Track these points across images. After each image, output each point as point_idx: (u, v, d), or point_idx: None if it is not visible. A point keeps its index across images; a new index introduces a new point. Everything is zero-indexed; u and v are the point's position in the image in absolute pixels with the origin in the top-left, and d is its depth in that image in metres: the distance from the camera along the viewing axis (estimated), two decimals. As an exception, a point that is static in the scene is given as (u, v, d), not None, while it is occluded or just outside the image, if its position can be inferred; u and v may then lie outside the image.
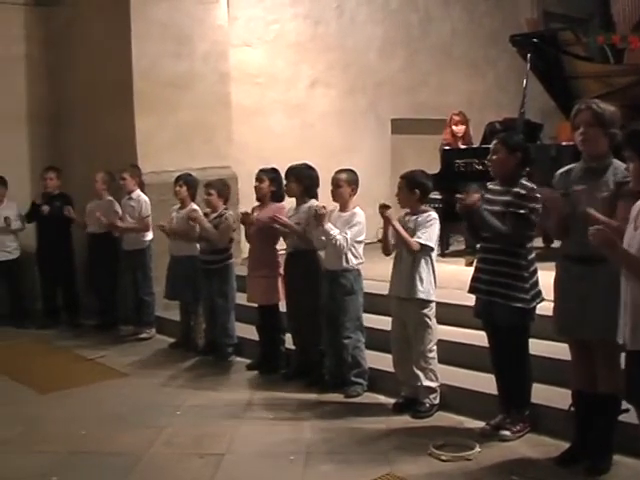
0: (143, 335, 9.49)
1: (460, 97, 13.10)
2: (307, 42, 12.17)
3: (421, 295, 6.40)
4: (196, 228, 8.30)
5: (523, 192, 5.67)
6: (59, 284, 10.53)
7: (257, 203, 7.99)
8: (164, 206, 9.32)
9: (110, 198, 9.88)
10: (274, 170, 7.92)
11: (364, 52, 12.81)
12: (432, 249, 6.46)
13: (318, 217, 6.92)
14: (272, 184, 7.83)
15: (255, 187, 7.91)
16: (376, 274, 7.68)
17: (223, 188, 8.40)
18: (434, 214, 6.50)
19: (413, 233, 6.39)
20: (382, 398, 6.95)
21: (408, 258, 6.44)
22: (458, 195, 5.89)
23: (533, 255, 5.82)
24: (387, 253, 6.72)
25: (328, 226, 6.90)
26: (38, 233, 10.52)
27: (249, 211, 8.01)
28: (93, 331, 9.99)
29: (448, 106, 11.36)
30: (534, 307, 5.80)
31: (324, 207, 7.00)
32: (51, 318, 10.46)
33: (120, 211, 9.68)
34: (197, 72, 10.46)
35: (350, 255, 6.96)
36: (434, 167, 9.44)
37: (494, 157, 5.87)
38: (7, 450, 6.15)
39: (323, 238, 7.04)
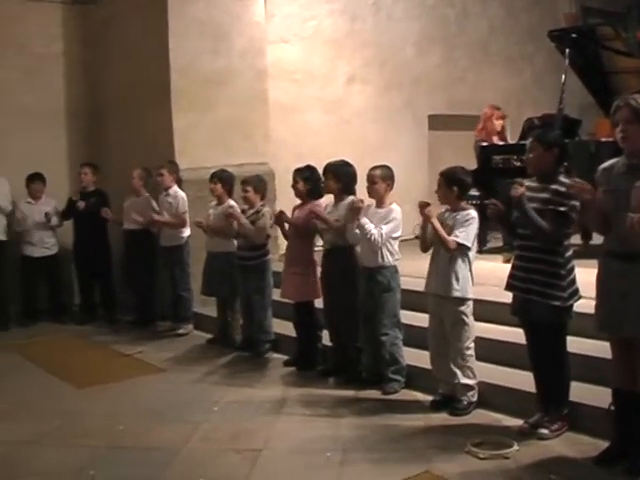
0: (180, 331, 9.52)
1: (497, 93, 13.02)
2: (344, 38, 12.15)
3: (457, 294, 6.37)
4: (233, 224, 8.33)
5: (562, 189, 5.62)
6: (96, 280, 10.61)
7: (297, 200, 7.99)
8: (201, 202, 9.35)
9: (147, 194, 9.92)
10: (308, 168, 7.90)
11: (401, 48, 12.78)
12: (469, 248, 6.42)
13: (354, 210, 6.92)
14: (307, 183, 7.82)
15: (292, 187, 7.93)
16: (413, 271, 7.64)
17: (259, 184, 8.41)
18: (473, 212, 6.46)
19: (451, 230, 6.36)
20: (419, 395, 6.93)
21: (445, 256, 6.41)
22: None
23: (570, 253, 5.78)
24: (425, 249, 6.69)
25: (364, 220, 6.89)
26: (75, 229, 10.58)
27: (284, 210, 8.01)
28: (130, 327, 10.05)
29: (485, 102, 11.28)
30: (571, 305, 5.76)
31: (362, 201, 6.99)
32: (89, 314, 10.55)
33: (157, 207, 9.72)
34: (234, 69, 10.47)
35: (386, 251, 6.94)
36: (471, 164, 9.38)
37: (530, 155, 5.83)
38: (45, 444, 6.21)
39: (357, 231, 7.04)
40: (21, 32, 10.75)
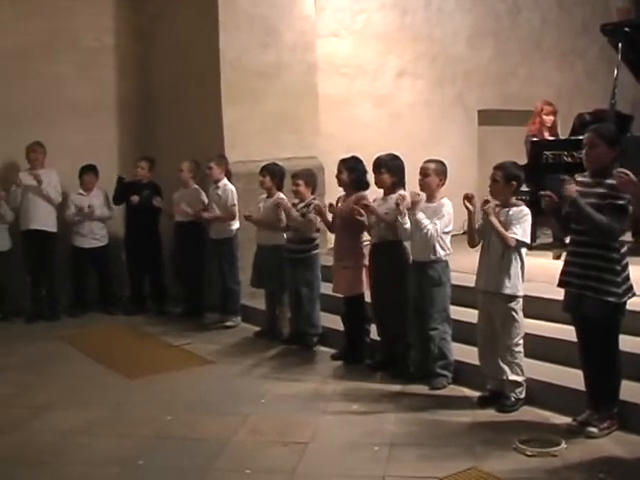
0: (229, 323, 9.55)
1: (549, 88, 12.92)
2: (394, 32, 12.11)
3: (508, 290, 6.33)
4: (281, 216, 8.34)
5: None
6: (146, 271, 10.68)
7: (342, 193, 8.01)
8: (251, 195, 9.36)
9: (196, 187, 9.96)
10: (353, 159, 7.90)
11: (452, 42, 12.71)
12: (526, 245, 6.39)
13: (412, 204, 6.89)
14: (351, 174, 7.82)
15: (336, 177, 7.94)
16: (462, 266, 7.61)
17: (310, 178, 8.42)
18: (527, 209, 6.41)
19: (504, 226, 6.31)
20: (467, 391, 6.91)
21: (497, 252, 6.37)
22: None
23: (625, 249, 5.72)
24: (473, 245, 6.66)
25: (420, 215, 6.86)
26: (127, 221, 10.69)
27: (333, 202, 8.02)
28: (179, 318, 10.12)
29: (536, 97, 11.20)
30: (625, 302, 5.70)
31: (419, 194, 6.95)
32: (138, 305, 10.63)
33: (206, 200, 9.76)
34: (284, 62, 10.49)
35: (438, 246, 6.92)
36: (521, 159, 9.31)
37: (589, 150, 5.76)
38: (94, 433, 6.30)
39: (406, 226, 7.03)
40: (73, 26, 10.88)
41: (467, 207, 6.44)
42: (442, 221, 6.89)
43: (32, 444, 6.11)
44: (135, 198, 10.21)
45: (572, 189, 5.63)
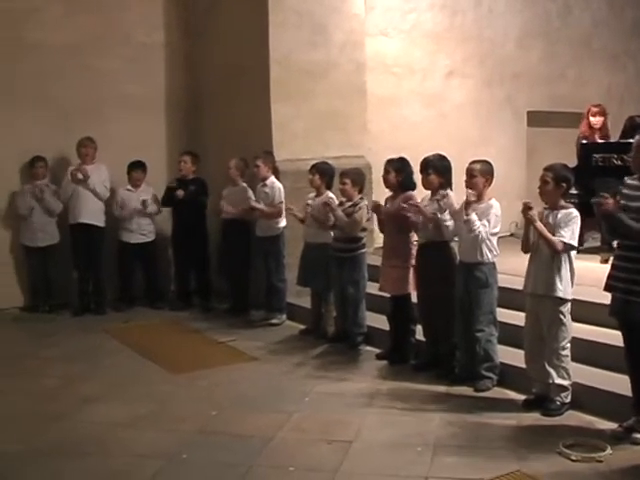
0: (274, 321, 9.57)
1: (599, 90, 12.85)
2: (444, 32, 12.09)
3: (559, 293, 6.29)
4: (330, 216, 8.35)
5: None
6: (192, 268, 10.71)
7: (389, 193, 8.00)
8: (298, 194, 9.36)
9: (244, 184, 9.98)
10: (400, 159, 7.90)
11: (502, 43, 12.66)
12: (574, 248, 6.35)
13: (465, 204, 6.85)
14: (399, 174, 7.82)
15: (382, 178, 7.93)
16: (509, 268, 7.57)
17: (358, 177, 8.41)
18: (575, 211, 6.36)
19: (552, 229, 6.27)
20: (512, 394, 6.87)
21: (546, 255, 6.32)
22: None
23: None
24: (526, 250, 6.59)
25: (474, 216, 6.82)
26: (174, 217, 10.73)
27: (381, 202, 8.01)
28: (224, 315, 10.15)
29: (586, 99, 11.13)
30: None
31: (474, 194, 6.90)
32: (184, 300, 10.69)
33: (253, 198, 9.76)
34: (333, 61, 10.48)
35: (485, 248, 6.88)
36: (571, 161, 9.24)
37: (639, 154, 5.69)
38: (139, 426, 6.36)
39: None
40: (124, 22, 10.98)
41: (526, 216, 6.38)
42: (491, 222, 6.86)
43: (77, 436, 6.18)
44: (180, 192, 10.23)
45: (610, 205, 5.56)
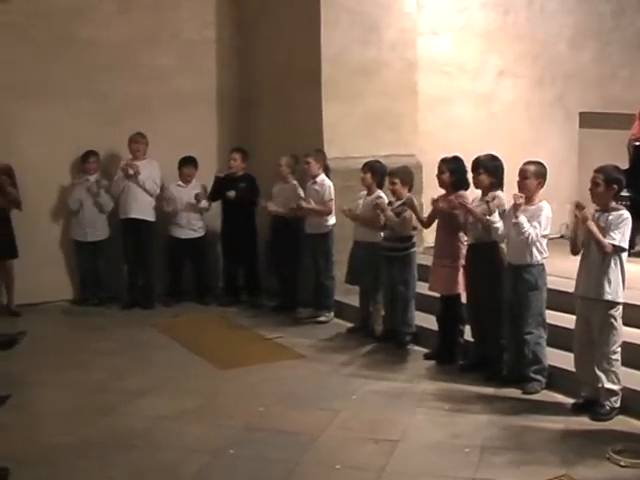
0: (321, 318, 9.58)
1: (652, 91, 12.67)
2: (495, 31, 11.99)
3: (608, 297, 6.23)
4: (381, 216, 8.33)
5: None
6: (241, 264, 10.76)
7: (441, 191, 7.97)
8: (348, 192, 9.38)
9: (294, 182, 9.99)
10: (455, 159, 7.88)
11: (554, 43, 12.52)
12: (625, 250, 6.28)
13: (514, 206, 6.81)
14: (452, 174, 7.80)
15: (437, 177, 7.91)
16: (558, 270, 7.53)
17: (407, 176, 8.40)
18: (627, 213, 6.30)
19: (603, 231, 6.21)
20: (560, 397, 6.83)
21: (597, 258, 6.27)
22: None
23: None
24: (575, 253, 6.55)
25: (522, 218, 6.78)
26: (223, 213, 10.78)
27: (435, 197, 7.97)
28: (272, 312, 10.17)
29: (638, 100, 10.98)
30: None
31: (521, 196, 6.85)
32: (232, 297, 10.73)
33: (303, 195, 9.77)
34: (384, 60, 10.45)
35: (535, 250, 6.84)
36: (623, 163, 9.14)
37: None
38: (187, 421, 6.43)
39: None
40: (175, 19, 11.07)
41: (577, 216, 6.33)
42: (541, 224, 6.81)
43: (125, 428, 6.28)
44: (232, 193, 10.25)
45: None
